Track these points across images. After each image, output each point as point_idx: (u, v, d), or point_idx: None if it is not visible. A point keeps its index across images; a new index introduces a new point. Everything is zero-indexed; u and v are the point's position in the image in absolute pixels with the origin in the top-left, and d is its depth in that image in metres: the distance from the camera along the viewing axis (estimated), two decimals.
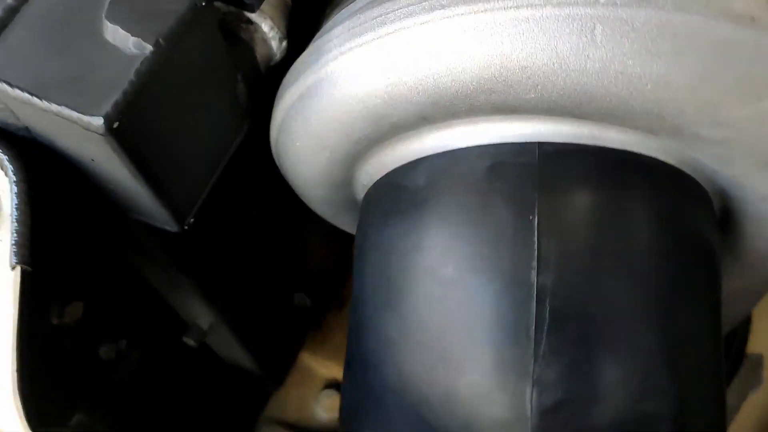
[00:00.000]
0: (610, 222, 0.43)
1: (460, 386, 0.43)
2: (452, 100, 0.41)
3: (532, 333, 0.41)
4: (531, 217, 0.42)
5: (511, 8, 0.37)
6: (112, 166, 0.41)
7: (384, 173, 0.50)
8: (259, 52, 0.50)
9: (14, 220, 0.40)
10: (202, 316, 0.72)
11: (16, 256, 0.40)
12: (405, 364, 0.45)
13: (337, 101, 0.44)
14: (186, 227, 0.48)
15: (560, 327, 0.41)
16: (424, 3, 0.40)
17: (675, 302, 0.44)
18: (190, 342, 0.72)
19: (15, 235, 0.40)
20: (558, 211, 0.42)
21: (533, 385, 0.41)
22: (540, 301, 0.41)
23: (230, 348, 0.75)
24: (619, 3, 0.36)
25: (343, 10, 0.48)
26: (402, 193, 0.47)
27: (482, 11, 0.38)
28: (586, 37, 0.36)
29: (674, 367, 0.44)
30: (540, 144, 0.44)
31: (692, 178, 0.46)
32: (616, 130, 0.43)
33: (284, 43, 0.51)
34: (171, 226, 0.48)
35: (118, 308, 0.69)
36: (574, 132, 0.44)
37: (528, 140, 0.44)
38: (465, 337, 0.43)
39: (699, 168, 0.46)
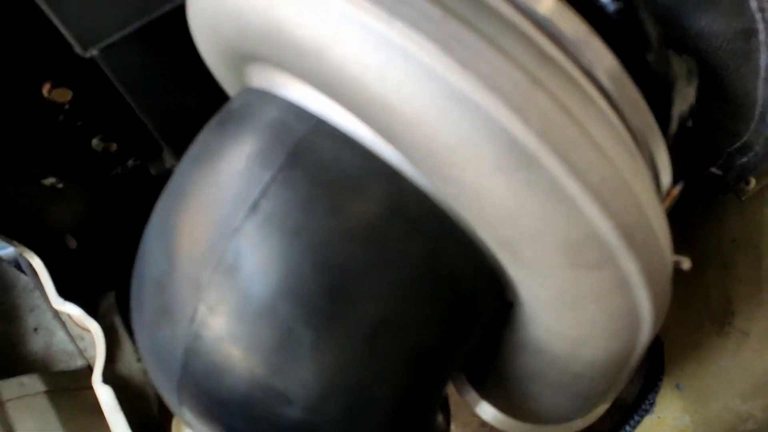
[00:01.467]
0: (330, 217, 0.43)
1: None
2: (249, 40, 0.44)
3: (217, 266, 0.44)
4: (266, 175, 0.44)
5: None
6: None
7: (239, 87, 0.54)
8: None
9: None
10: (166, 152, 0.82)
11: None
12: None
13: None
14: (89, 56, 0.56)
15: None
16: None
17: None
18: (152, 171, 0.83)
19: None
20: (290, 182, 0.44)
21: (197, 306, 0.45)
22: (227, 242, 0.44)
23: None
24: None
25: None
26: (225, 110, 0.51)
27: None
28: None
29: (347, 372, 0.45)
30: (320, 120, 0.45)
31: (453, 223, 0.44)
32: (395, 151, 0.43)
33: None
34: (76, 48, 0.56)
35: (107, 112, 0.80)
36: (353, 128, 0.44)
37: (314, 113, 0.45)
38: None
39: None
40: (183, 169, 0.49)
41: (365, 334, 0.44)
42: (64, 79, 0.73)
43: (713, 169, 0.59)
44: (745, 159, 0.56)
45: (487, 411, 0.69)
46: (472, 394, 0.71)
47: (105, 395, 0.79)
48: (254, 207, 0.43)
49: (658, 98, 0.47)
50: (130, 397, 0.84)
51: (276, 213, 0.43)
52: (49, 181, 0.82)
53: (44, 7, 0.52)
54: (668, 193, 0.50)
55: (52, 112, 0.77)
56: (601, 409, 0.68)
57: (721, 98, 0.53)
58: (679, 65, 0.48)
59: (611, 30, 0.45)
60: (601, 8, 0.45)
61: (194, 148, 0.50)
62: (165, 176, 0.82)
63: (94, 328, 0.82)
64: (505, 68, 0.36)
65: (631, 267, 0.40)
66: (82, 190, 0.86)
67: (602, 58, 0.43)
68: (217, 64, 0.56)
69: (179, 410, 0.50)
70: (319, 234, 0.43)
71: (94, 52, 0.56)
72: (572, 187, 0.37)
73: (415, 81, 0.37)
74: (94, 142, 0.84)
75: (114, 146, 0.85)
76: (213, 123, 0.50)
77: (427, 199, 0.44)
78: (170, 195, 0.49)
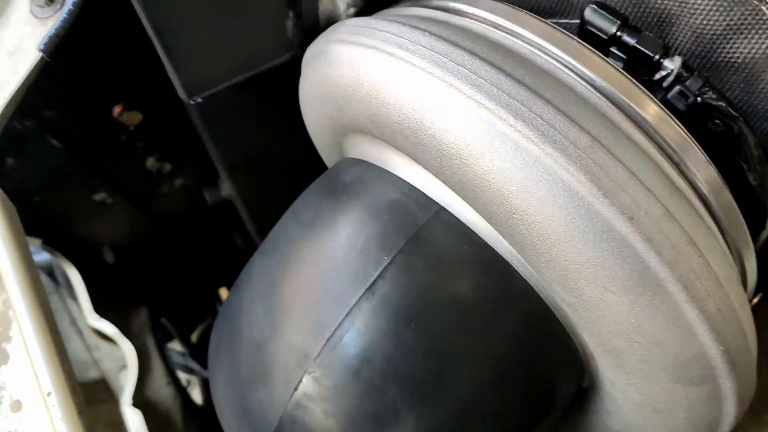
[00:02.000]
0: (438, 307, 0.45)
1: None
2: (383, 127, 0.45)
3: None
4: (385, 257, 0.46)
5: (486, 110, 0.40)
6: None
7: (345, 156, 0.55)
8: (324, 4, 0.56)
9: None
10: (224, 182, 0.82)
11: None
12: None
13: (323, 74, 0.50)
14: (192, 102, 0.57)
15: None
16: (423, 50, 0.43)
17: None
18: (207, 197, 0.84)
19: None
20: (409, 268, 0.45)
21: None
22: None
23: (245, 219, 0.86)
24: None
25: (393, 8, 0.53)
26: (335, 178, 0.52)
27: (451, 86, 0.41)
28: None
29: None
30: (442, 209, 0.47)
31: (557, 321, 0.46)
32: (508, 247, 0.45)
33: (352, 10, 0.57)
34: (181, 94, 0.57)
35: (170, 135, 0.81)
36: (473, 220, 0.46)
37: (435, 200, 0.47)
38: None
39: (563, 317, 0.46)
40: (290, 233, 0.50)
41: (459, 414, 0.46)
42: (136, 103, 0.74)
43: None
44: None
45: None
46: None
47: (134, 419, 0.79)
48: (371, 288, 0.45)
49: (755, 219, 0.49)
50: (157, 421, 0.85)
51: (392, 296, 0.45)
52: (100, 196, 0.83)
53: (161, 52, 0.53)
54: (750, 301, 0.53)
55: (117, 131, 0.77)
56: None
57: None
58: None
59: (719, 154, 0.48)
60: (714, 134, 0.48)
61: (303, 215, 0.51)
62: (218, 204, 0.84)
63: (128, 348, 0.83)
64: (644, 200, 0.39)
65: (728, 386, 0.43)
66: (128, 206, 0.86)
67: (713, 182, 0.45)
68: (323, 130, 0.57)
69: None
70: (431, 321, 0.45)
71: (198, 99, 0.57)
72: (691, 314, 0.40)
73: (561, 203, 0.39)
74: (150, 161, 0.84)
75: (168, 167, 0.85)
76: (322, 190, 0.52)
77: (535, 296, 0.46)
78: (275, 257, 0.50)
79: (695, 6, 0.46)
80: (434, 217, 0.46)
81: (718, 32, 0.46)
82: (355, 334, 0.45)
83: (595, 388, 0.52)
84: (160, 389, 0.86)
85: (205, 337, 1.07)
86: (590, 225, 0.38)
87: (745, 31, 0.46)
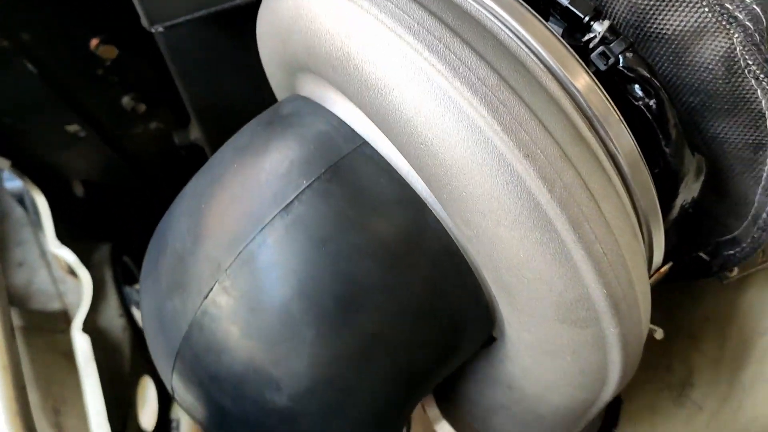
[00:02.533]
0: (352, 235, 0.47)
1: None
2: (315, 58, 0.48)
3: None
4: (304, 181, 0.48)
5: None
6: None
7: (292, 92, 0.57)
8: None
9: None
10: (194, 126, 0.85)
11: None
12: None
13: (271, 8, 0.52)
14: (154, 30, 0.60)
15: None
16: None
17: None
18: (175, 139, 0.86)
19: None
20: (326, 194, 0.48)
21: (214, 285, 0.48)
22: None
23: None
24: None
25: None
26: (274, 111, 0.55)
27: (375, 18, 0.43)
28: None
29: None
30: (365, 143, 0.49)
31: (464, 260, 0.48)
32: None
33: None
34: (144, 21, 0.59)
35: (146, 76, 0.83)
36: (393, 157, 0.48)
37: (361, 135, 0.49)
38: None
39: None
40: (224, 156, 0.53)
41: (362, 343, 0.48)
42: (112, 37, 0.76)
43: (702, 254, 0.64)
44: (731, 252, 0.61)
45: (446, 430, 0.73)
46: (435, 412, 0.75)
47: (82, 343, 0.82)
48: (287, 208, 0.47)
49: (667, 187, 0.51)
50: (106, 350, 0.87)
51: (306, 218, 0.47)
52: (73, 128, 0.85)
53: None
54: (658, 269, 0.55)
55: (93, 64, 0.80)
56: None
57: (721, 195, 0.58)
58: (690, 162, 0.53)
59: (639, 120, 0.50)
60: (634, 100, 0.50)
61: (239, 140, 0.53)
62: (186, 147, 0.86)
63: (84, 276, 0.85)
64: (542, 140, 0.41)
65: (611, 331, 0.45)
66: (101, 142, 0.89)
67: (624, 143, 0.47)
68: (274, 68, 0.59)
69: (170, 378, 0.53)
70: (342, 247, 0.47)
71: (159, 28, 0.59)
72: (577, 254, 0.42)
73: (462, 134, 0.41)
74: (125, 99, 0.86)
75: (143, 108, 0.88)
76: (262, 120, 0.54)
77: (446, 235, 0.48)
78: (206, 178, 0.53)
79: None
80: (356, 150, 0.48)
81: (650, 3, 0.48)
82: (266, 250, 0.47)
83: (501, 338, 0.54)
84: (113, 320, 0.88)
85: None
86: (488, 158, 0.40)
87: (676, 4, 0.48)
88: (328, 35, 0.45)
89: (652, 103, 0.48)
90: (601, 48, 0.47)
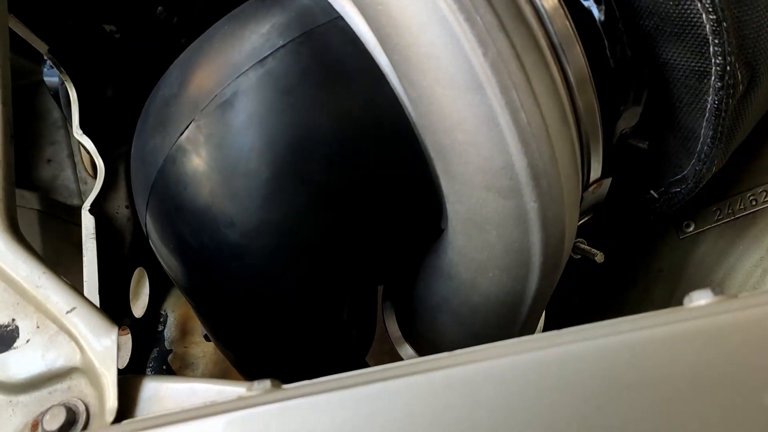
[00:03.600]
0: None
1: None
2: None
3: None
4: (280, 41, 0.54)
5: None
6: None
7: None
8: None
9: None
10: None
11: None
12: None
13: None
14: None
15: None
16: None
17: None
18: None
19: None
20: (297, 54, 0.53)
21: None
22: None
23: None
24: None
25: None
26: None
27: None
28: None
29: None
30: (340, 17, 0.55)
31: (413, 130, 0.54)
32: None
33: None
34: None
35: None
36: (363, 32, 0.54)
37: (338, 10, 0.55)
38: None
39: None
40: (220, 23, 0.59)
41: (309, 192, 0.53)
42: None
43: (653, 192, 0.68)
44: (677, 189, 0.65)
45: (407, 352, 0.78)
46: (397, 335, 0.80)
47: (88, 221, 0.89)
48: (261, 61, 0.53)
49: (608, 106, 0.55)
50: (108, 235, 0.94)
51: (276, 71, 0.53)
52: (109, 27, 0.93)
53: None
54: (596, 181, 0.59)
55: None
56: None
57: (672, 129, 0.62)
58: (633, 87, 0.57)
59: (592, 33, 0.54)
60: (590, 14, 0.54)
61: (234, 10, 0.60)
62: None
63: (100, 163, 0.92)
64: (482, 8, 0.46)
65: (531, 205, 0.49)
66: (133, 47, 0.96)
67: (565, 33, 0.52)
68: None
69: (144, 214, 0.60)
70: (303, 99, 0.53)
71: None
72: (503, 119, 0.46)
73: None
74: (159, 9, 0.94)
75: (175, 20, 0.95)
76: None
77: (398, 105, 0.53)
78: (201, 38, 0.59)
79: None
80: (331, 21, 0.54)
81: None
82: (239, 95, 0.53)
83: (445, 225, 0.58)
84: (119, 209, 0.95)
85: None
86: (432, 18, 0.46)
87: None
88: None
89: (602, 9, 0.53)
90: None
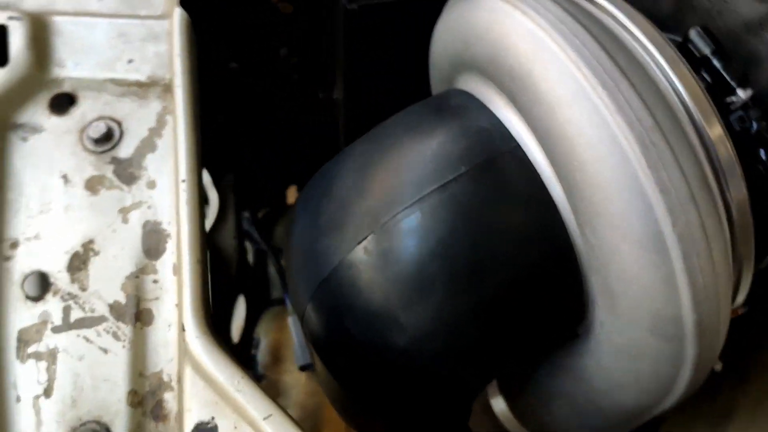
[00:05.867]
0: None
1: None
2: (497, 66, 0.57)
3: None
4: (463, 167, 0.58)
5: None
6: None
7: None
8: None
9: None
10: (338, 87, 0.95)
11: None
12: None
13: (465, 14, 0.61)
14: (348, 6, 0.69)
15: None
16: (550, 16, 0.55)
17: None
18: (319, 94, 0.96)
19: None
20: (479, 180, 0.57)
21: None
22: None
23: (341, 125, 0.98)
24: None
25: None
26: (443, 99, 0.64)
27: (561, 49, 0.53)
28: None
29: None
30: (519, 146, 0.58)
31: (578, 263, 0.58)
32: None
33: None
34: None
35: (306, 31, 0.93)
36: (540, 162, 0.57)
37: (516, 138, 0.59)
38: None
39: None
40: (395, 131, 0.63)
41: (479, 304, 0.58)
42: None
43: None
44: None
45: (499, 404, 0.83)
46: (492, 384, 0.85)
47: None
48: (444, 186, 0.57)
49: (763, 242, 0.59)
50: (216, 261, 0.99)
51: (459, 197, 0.57)
52: (234, 65, 0.96)
53: None
54: (736, 309, 0.63)
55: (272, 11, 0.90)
56: None
57: None
58: None
59: (756, 181, 0.58)
60: (756, 162, 0.58)
61: (408, 117, 0.63)
62: (326, 102, 0.96)
63: (214, 197, 0.97)
64: (676, 180, 0.49)
65: (690, 351, 0.53)
66: (249, 80, 0.99)
67: (740, 195, 0.55)
68: (444, 62, 0.69)
69: (305, 302, 0.64)
70: (481, 224, 0.57)
71: (354, 6, 0.69)
72: (682, 281, 0.50)
73: (613, 161, 0.50)
74: (283, 50, 0.97)
75: (294, 60, 0.98)
76: (431, 105, 0.64)
77: (567, 238, 0.57)
78: (375, 144, 0.63)
79: None
80: (511, 151, 0.58)
81: None
82: (420, 215, 0.57)
83: (585, 334, 0.63)
84: (228, 240, 1.00)
85: (267, 219, 1.20)
86: (630, 186, 0.49)
87: None
88: (517, 52, 0.54)
89: None
90: (740, 113, 0.55)
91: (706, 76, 0.57)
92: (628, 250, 0.51)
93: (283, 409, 0.53)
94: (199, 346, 0.54)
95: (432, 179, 0.57)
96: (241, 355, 1.04)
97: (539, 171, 0.57)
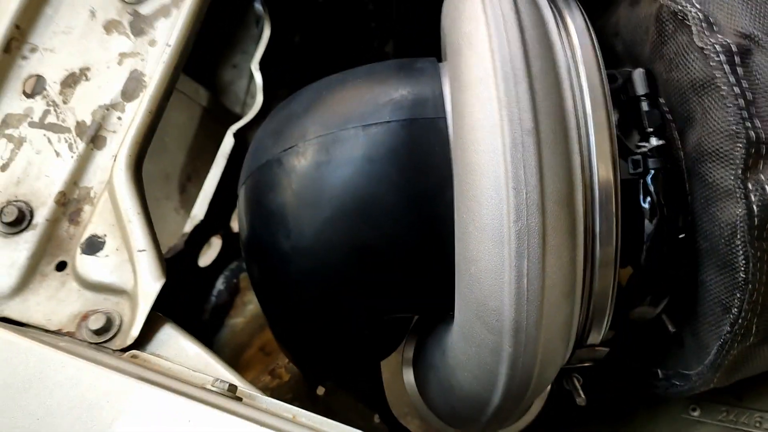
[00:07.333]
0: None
1: None
2: (445, 33, 0.62)
3: None
4: (388, 117, 0.63)
5: None
6: None
7: None
8: None
9: None
10: None
11: None
12: None
13: None
14: None
15: None
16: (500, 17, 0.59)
17: None
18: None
19: None
20: (396, 133, 0.63)
21: None
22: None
23: None
24: None
25: None
26: (411, 62, 0.70)
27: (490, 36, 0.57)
28: None
29: None
30: (444, 118, 0.63)
31: None
32: None
33: None
34: None
35: None
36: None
37: (445, 104, 0.64)
38: None
39: None
40: (360, 70, 0.69)
41: (355, 243, 0.64)
42: None
43: (659, 370, 0.72)
44: (680, 383, 0.69)
45: (409, 379, 0.88)
46: (408, 357, 0.89)
47: (228, 141, 1.05)
48: (365, 127, 0.63)
49: (625, 299, 0.61)
50: (238, 161, 1.10)
51: (373, 140, 0.63)
52: None
53: None
54: (594, 346, 0.65)
55: None
56: None
57: (693, 335, 0.66)
58: (655, 292, 0.61)
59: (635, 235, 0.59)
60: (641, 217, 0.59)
61: (377, 68, 0.69)
62: (377, 53, 1.03)
63: (259, 98, 1.07)
64: (533, 185, 0.53)
65: (506, 349, 0.57)
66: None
67: (608, 226, 0.57)
68: (442, 33, 0.74)
69: (240, 186, 0.73)
70: (381, 173, 0.62)
71: None
72: (507, 277, 0.54)
73: (483, 149, 0.54)
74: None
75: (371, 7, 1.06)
76: (403, 62, 0.70)
77: (450, 212, 0.61)
78: (340, 78, 0.70)
79: (713, 128, 0.57)
80: (434, 119, 0.63)
81: (710, 150, 0.57)
82: (335, 144, 0.63)
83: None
84: None
85: None
86: (492, 176, 0.53)
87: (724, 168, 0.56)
88: (460, 30, 0.59)
89: (654, 221, 0.58)
90: (639, 157, 0.57)
91: (630, 113, 0.59)
92: (473, 233, 0.55)
93: (158, 248, 0.62)
94: (120, 177, 0.65)
95: (358, 118, 0.64)
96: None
97: (451, 145, 0.62)
